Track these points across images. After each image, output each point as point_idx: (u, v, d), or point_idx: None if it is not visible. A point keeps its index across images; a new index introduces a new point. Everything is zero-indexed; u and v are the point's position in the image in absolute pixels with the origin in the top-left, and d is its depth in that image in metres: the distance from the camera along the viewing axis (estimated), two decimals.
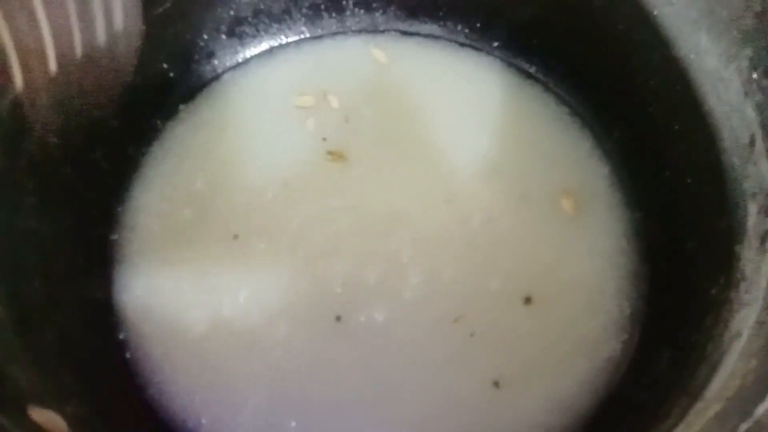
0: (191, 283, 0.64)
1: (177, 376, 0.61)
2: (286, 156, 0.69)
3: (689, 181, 0.60)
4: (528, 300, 0.62)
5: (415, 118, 0.71)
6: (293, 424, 0.58)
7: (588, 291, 0.62)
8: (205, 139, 0.71)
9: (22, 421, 0.42)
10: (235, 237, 0.65)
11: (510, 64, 0.74)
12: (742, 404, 0.40)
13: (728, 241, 0.53)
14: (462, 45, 0.75)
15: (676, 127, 0.61)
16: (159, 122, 0.72)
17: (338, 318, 0.61)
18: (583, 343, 0.60)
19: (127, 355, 0.62)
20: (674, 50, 0.58)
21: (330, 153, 0.69)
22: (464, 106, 0.72)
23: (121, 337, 0.63)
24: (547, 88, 0.72)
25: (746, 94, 0.51)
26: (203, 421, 0.59)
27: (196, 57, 0.73)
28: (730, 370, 0.45)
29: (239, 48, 0.75)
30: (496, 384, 0.58)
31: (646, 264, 0.64)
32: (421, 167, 0.68)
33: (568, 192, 0.67)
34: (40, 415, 0.44)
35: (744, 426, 0.37)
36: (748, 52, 0.51)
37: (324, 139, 0.69)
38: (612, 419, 0.57)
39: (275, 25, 0.75)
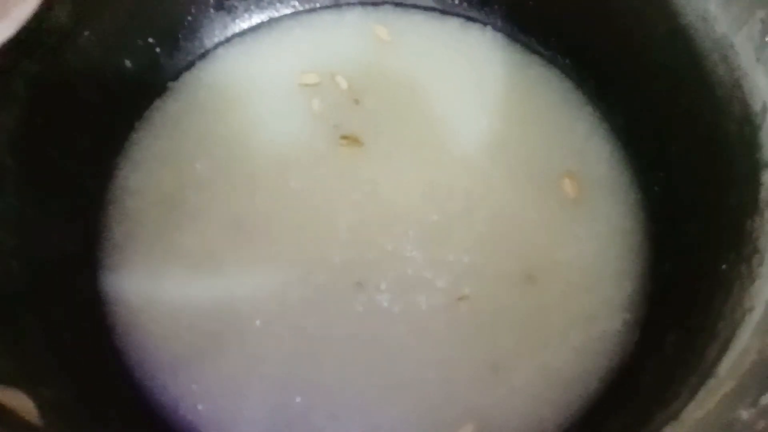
0: (188, 267, 0.62)
1: (171, 363, 0.58)
2: (293, 137, 0.67)
3: (696, 156, 0.58)
4: (530, 281, 0.60)
5: (422, 98, 0.69)
6: (298, 399, 0.57)
7: (590, 272, 0.61)
8: (199, 118, 0.68)
9: None
10: (238, 221, 0.63)
11: (514, 39, 0.71)
12: (760, 378, 0.38)
13: (739, 215, 0.51)
14: (465, 19, 0.73)
15: (682, 100, 0.59)
16: (146, 100, 0.69)
17: (343, 299, 0.59)
18: (585, 325, 0.59)
19: (116, 341, 0.60)
20: (680, 20, 0.56)
21: (344, 137, 0.66)
22: (469, 84, 0.70)
23: (110, 322, 0.60)
24: (551, 63, 0.70)
25: (758, 59, 0.49)
26: (199, 407, 0.57)
27: (184, 32, 0.70)
28: (743, 346, 0.44)
29: (229, 22, 0.72)
30: (495, 365, 0.57)
31: (651, 244, 0.62)
32: (427, 149, 0.66)
33: (571, 174, 0.65)
34: (4, 395, 0.42)
35: (766, 398, 0.35)
36: (761, 14, 0.48)
37: (336, 125, 0.67)
38: (617, 401, 0.55)
39: None
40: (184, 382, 0.57)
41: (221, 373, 0.58)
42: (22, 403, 0.43)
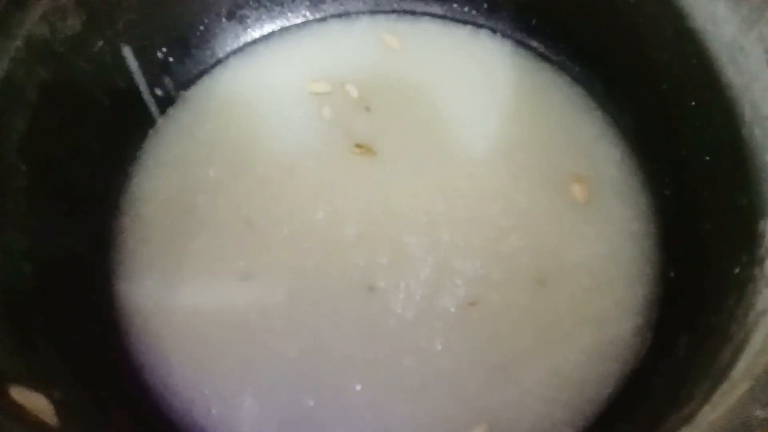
0: (200, 271, 0.62)
1: (183, 366, 0.58)
2: (304, 144, 0.67)
3: (707, 158, 0.57)
4: (540, 284, 0.60)
5: (432, 105, 0.69)
6: (310, 402, 0.56)
7: (600, 275, 0.60)
8: (211, 126, 0.69)
9: (2, 399, 0.40)
10: (250, 226, 0.63)
11: (523, 46, 0.72)
12: None
13: (750, 217, 0.50)
14: (474, 26, 0.73)
15: (692, 103, 0.58)
16: (158, 108, 0.70)
17: (355, 303, 0.59)
18: (596, 328, 0.58)
19: (129, 345, 0.60)
20: (689, 22, 0.56)
21: (358, 146, 0.66)
22: (479, 91, 0.70)
23: (122, 326, 0.60)
24: (560, 69, 0.70)
25: None
26: (213, 411, 0.57)
27: (196, 41, 0.71)
28: (758, 349, 0.43)
29: (240, 32, 0.73)
30: (507, 367, 0.56)
31: (661, 247, 0.62)
32: (439, 155, 0.66)
33: (581, 178, 0.65)
34: (22, 396, 0.42)
35: None
36: None
37: (347, 133, 0.67)
38: (630, 404, 0.54)
39: (277, 8, 0.73)
40: (196, 386, 0.57)
41: (233, 376, 0.57)
42: (39, 403, 0.44)
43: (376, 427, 0.55)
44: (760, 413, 0.36)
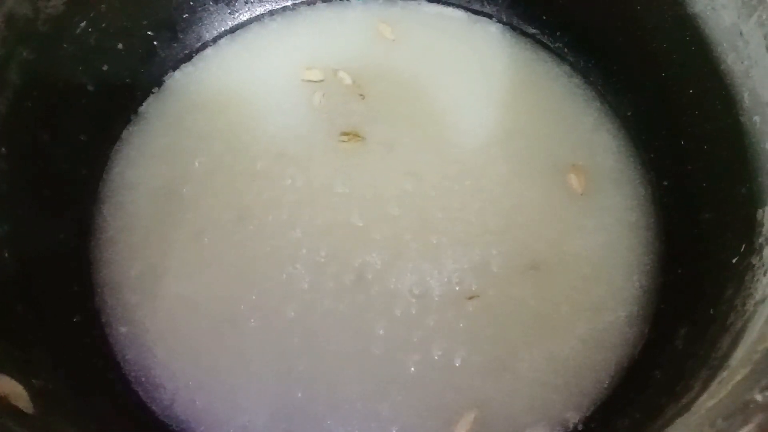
0: (184, 262, 0.60)
1: (166, 358, 0.57)
2: (295, 133, 0.65)
3: (706, 147, 0.57)
4: (537, 272, 0.59)
5: (427, 93, 0.68)
6: (299, 394, 0.55)
7: (598, 264, 0.60)
8: (196, 114, 0.67)
9: None
10: (236, 216, 0.62)
11: (520, 33, 0.70)
12: None
13: (749, 206, 0.50)
14: (470, 12, 0.71)
15: (692, 91, 0.58)
16: (143, 93, 0.68)
17: (344, 294, 0.58)
18: (592, 316, 0.58)
19: (111, 336, 0.58)
20: (688, 8, 0.55)
21: (345, 134, 0.65)
22: (475, 80, 0.69)
23: (104, 316, 0.59)
24: (559, 58, 0.69)
25: None
26: (196, 402, 0.56)
27: (183, 25, 0.70)
28: (756, 336, 0.42)
29: (228, 15, 0.71)
30: (502, 355, 0.56)
31: (660, 238, 0.61)
32: (434, 144, 0.65)
33: (578, 168, 0.64)
34: None
35: None
36: None
37: (339, 121, 0.66)
38: (627, 395, 0.54)
39: None
40: (179, 377, 0.56)
41: (218, 368, 0.56)
42: (14, 390, 0.42)
43: (367, 417, 0.54)
44: (759, 397, 0.35)
